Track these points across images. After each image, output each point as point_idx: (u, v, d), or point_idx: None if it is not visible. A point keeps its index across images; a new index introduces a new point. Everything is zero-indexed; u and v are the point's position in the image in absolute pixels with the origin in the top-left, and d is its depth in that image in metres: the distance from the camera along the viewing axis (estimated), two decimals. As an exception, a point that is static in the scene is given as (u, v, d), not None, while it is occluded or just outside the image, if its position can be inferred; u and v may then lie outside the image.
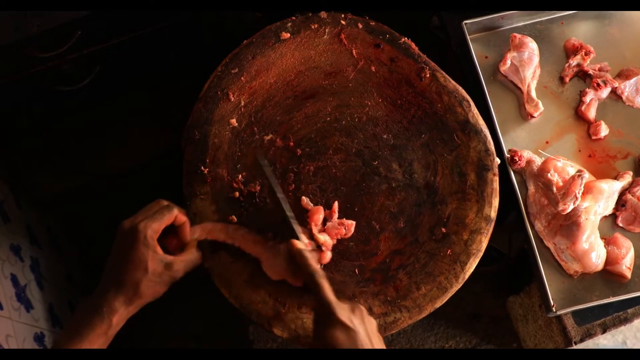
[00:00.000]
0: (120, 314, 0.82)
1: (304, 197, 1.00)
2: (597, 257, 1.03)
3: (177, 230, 0.91)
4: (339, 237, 0.98)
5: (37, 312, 1.32)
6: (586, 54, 1.18)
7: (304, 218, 0.98)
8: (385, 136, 1.05)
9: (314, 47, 1.10)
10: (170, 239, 0.90)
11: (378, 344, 0.81)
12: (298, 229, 0.94)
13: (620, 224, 1.09)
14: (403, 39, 1.09)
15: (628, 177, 1.10)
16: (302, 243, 0.88)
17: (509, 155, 1.10)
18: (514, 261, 1.31)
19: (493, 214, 0.99)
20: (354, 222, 0.99)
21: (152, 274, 0.82)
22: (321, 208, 0.99)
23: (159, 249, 0.84)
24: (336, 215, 0.99)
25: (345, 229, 0.98)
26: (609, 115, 1.16)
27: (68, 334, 0.82)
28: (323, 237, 0.97)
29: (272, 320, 0.95)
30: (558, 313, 1.03)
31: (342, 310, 0.80)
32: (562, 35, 1.23)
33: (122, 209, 1.70)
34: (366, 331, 0.80)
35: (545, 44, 1.22)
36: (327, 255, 0.97)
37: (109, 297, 0.82)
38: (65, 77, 1.24)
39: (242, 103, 1.07)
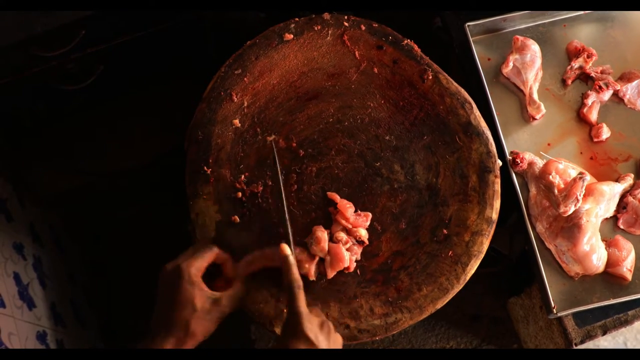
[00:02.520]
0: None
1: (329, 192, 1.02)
2: (598, 259, 1.03)
3: (222, 268, 0.91)
4: (362, 228, 1.00)
5: (39, 310, 1.33)
6: (588, 57, 1.18)
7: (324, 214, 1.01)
8: (387, 138, 1.05)
9: (316, 48, 1.10)
10: (217, 279, 0.90)
11: None
12: (289, 232, 0.95)
13: (621, 226, 1.09)
14: (406, 41, 1.09)
15: (629, 180, 1.10)
16: (289, 249, 0.88)
17: (510, 157, 1.10)
18: (515, 263, 1.31)
19: (494, 215, 1.00)
20: (369, 213, 1.00)
21: (201, 311, 0.82)
22: (350, 203, 1.00)
23: (204, 286, 0.83)
24: (352, 207, 1.00)
25: (362, 220, 1.00)
26: (611, 117, 1.16)
27: None
28: (363, 232, 0.98)
29: (274, 319, 0.96)
30: (559, 314, 1.03)
31: (310, 324, 0.81)
32: (564, 37, 1.23)
33: (124, 209, 1.72)
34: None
35: (547, 46, 1.22)
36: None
37: (159, 341, 0.80)
38: (69, 77, 1.24)
39: (245, 104, 1.08)
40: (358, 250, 0.98)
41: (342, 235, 0.97)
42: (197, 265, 0.84)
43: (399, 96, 1.07)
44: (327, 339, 0.81)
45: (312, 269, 0.96)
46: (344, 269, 0.97)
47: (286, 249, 0.88)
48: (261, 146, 1.05)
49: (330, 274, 0.97)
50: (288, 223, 0.96)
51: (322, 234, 0.97)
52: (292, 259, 0.86)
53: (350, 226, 0.98)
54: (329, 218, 1.01)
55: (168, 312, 0.82)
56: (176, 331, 0.81)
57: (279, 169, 1.01)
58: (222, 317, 0.85)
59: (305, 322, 0.80)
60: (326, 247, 0.96)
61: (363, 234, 0.98)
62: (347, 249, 0.97)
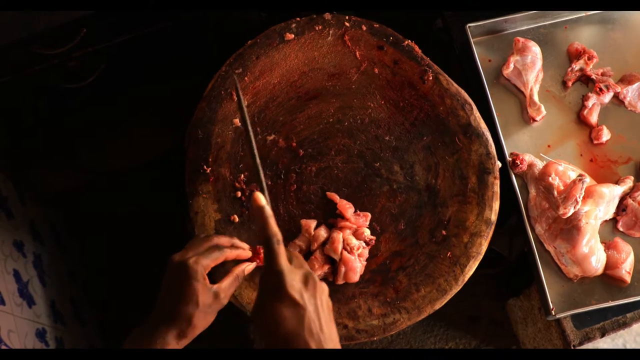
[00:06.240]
0: (172, 347, 0.82)
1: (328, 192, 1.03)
2: (597, 261, 1.03)
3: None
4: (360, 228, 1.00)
5: (39, 308, 1.33)
6: (589, 59, 1.18)
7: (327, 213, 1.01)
8: (387, 138, 1.05)
9: (317, 48, 1.10)
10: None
11: (327, 321, 0.75)
12: (263, 181, 0.86)
13: (621, 229, 1.09)
14: (406, 42, 1.09)
15: (629, 182, 1.10)
16: (265, 199, 0.78)
17: (510, 159, 1.10)
18: (514, 264, 1.31)
19: (493, 217, 1.00)
20: (368, 213, 1.00)
21: (203, 305, 0.82)
22: (350, 203, 1.01)
23: (207, 282, 0.84)
24: (352, 208, 1.01)
25: (362, 220, 1.00)
26: (611, 120, 1.16)
27: None
28: (367, 232, 0.99)
29: (272, 319, 0.96)
30: (557, 316, 1.03)
31: (294, 282, 0.74)
32: (565, 39, 1.23)
33: (124, 207, 1.72)
34: (315, 307, 0.74)
35: (548, 48, 1.22)
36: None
37: (162, 331, 0.82)
38: (70, 75, 1.24)
39: (245, 103, 1.08)
40: (366, 252, 0.98)
41: (354, 242, 0.97)
42: (205, 264, 0.84)
43: (399, 97, 1.07)
44: (313, 295, 0.75)
45: (320, 272, 0.96)
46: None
47: (261, 199, 0.77)
48: (261, 146, 1.06)
49: (340, 282, 0.97)
50: (261, 170, 0.86)
51: (338, 235, 0.97)
52: (268, 209, 0.77)
53: (355, 227, 0.98)
54: (328, 217, 1.01)
55: (172, 305, 0.83)
56: (179, 324, 0.82)
57: (243, 105, 0.90)
58: (220, 308, 0.86)
59: (287, 280, 0.73)
60: (340, 249, 0.96)
61: (368, 233, 0.98)
62: (359, 255, 0.97)
